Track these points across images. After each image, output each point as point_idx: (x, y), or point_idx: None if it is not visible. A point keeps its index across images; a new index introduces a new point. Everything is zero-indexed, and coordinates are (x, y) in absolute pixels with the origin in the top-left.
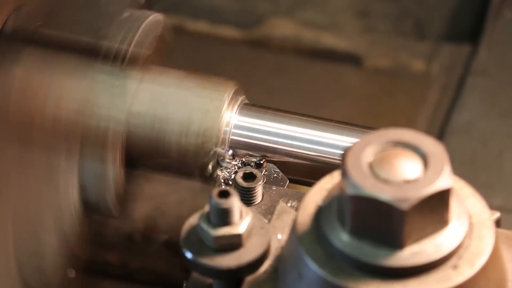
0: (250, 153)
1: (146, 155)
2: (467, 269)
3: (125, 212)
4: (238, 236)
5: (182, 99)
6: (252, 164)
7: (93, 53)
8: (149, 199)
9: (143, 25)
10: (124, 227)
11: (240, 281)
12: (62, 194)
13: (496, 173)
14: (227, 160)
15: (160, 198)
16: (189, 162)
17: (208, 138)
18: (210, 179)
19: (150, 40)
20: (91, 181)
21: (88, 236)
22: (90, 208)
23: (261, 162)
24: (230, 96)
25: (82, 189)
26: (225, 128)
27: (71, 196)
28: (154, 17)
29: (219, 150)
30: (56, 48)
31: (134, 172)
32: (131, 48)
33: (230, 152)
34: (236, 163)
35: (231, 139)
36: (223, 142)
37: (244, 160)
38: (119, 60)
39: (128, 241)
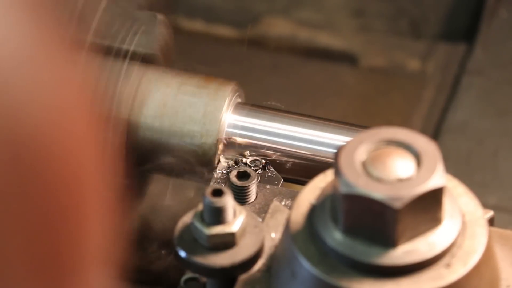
0: (246, 152)
1: (146, 155)
2: (460, 268)
3: (123, 212)
4: (232, 235)
5: (183, 99)
6: (257, 164)
7: (94, 52)
8: (145, 198)
9: (144, 25)
10: (121, 227)
11: (233, 280)
12: None
13: (491, 172)
14: (225, 159)
15: (156, 197)
16: (189, 162)
17: (209, 138)
18: (209, 178)
19: (151, 40)
20: None
21: None
22: None
23: (265, 165)
24: (231, 96)
25: None
26: (225, 128)
27: None
28: (155, 17)
29: (219, 149)
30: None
31: (133, 172)
32: (131, 48)
33: (224, 150)
34: (232, 162)
35: (229, 138)
36: (223, 142)
37: (238, 158)
38: (120, 60)
39: (125, 240)
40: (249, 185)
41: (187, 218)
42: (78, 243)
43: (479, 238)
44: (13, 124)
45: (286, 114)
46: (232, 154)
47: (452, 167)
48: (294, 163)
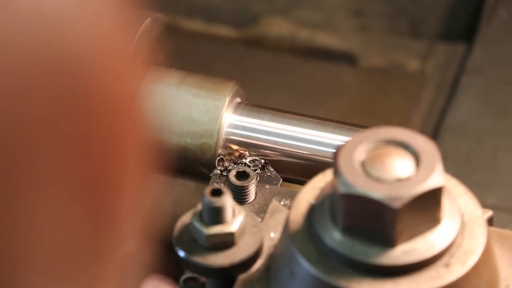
0: (246, 152)
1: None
2: (459, 267)
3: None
4: (231, 235)
5: (182, 99)
6: (256, 163)
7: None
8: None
9: (143, 25)
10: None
11: (233, 280)
12: None
13: (491, 172)
14: (226, 159)
15: (156, 197)
16: (189, 162)
17: (208, 138)
18: (208, 178)
19: (150, 40)
20: None
21: None
22: None
23: (265, 165)
24: (230, 96)
25: None
26: (225, 128)
27: None
28: (154, 17)
29: (219, 149)
30: None
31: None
32: (130, 48)
33: (226, 151)
34: (230, 162)
35: (229, 138)
36: (223, 142)
37: (239, 158)
38: None
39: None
40: (248, 185)
41: (186, 218)
42: (118, 182)
43: (478, 238)
44: (64, 53)
45: (286, 114)
46: (232, 154)
47: (451, 167)
48: (293, 163)
